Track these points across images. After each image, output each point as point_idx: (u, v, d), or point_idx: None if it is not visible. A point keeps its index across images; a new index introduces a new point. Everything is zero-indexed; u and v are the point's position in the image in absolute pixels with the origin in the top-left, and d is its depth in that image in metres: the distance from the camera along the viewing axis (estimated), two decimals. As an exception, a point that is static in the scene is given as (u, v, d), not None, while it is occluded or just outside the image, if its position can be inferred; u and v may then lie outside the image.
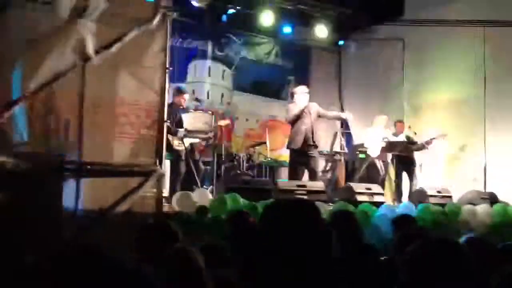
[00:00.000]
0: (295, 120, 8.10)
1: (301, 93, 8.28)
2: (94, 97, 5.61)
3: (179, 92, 8.29)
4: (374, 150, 9.35)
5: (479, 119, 9.78)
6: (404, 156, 9.30)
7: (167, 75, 5.70)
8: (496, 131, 9.54)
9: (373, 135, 9.45)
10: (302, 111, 8.07)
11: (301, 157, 8.13)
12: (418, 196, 8.04)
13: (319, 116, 8.37)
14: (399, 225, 4.21)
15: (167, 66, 5.78)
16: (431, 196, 7.86)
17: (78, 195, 5.50)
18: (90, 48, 5.56)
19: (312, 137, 8.14)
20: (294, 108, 8.20)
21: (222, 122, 8.74)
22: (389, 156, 9.56)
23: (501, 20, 9.22)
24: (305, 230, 1.66)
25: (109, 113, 5.69)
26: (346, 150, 10.68)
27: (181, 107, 8.14)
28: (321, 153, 9.40)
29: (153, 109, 5.66)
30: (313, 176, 8.12)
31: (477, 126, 9.79)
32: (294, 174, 8.20)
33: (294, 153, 8.23)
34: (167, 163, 7.90)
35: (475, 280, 1.94)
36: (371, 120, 9.92)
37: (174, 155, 7.67)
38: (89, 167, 5.48)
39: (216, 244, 3.08)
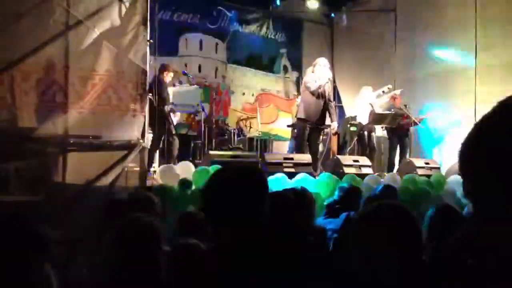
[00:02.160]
0: (316, 92, 8.00)
1: (324, 65, 8.15)
2: (79, 69, 5.60)
3: (163, 68, 8.22)
4: (364, 120, 9.41)
5: (471, 90, 9.77)
6: (398, 128, 9.34)
7: (148, 48, 5.66)
8: (487, 102, 9.52)
9: (361, 106, 9.49)
10: (322, 87, 8.00)
11: (311, 130, 8.11)
12: (406, 168, 8.07)
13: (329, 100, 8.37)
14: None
15: (150, 39, 5.75)
16: (419, 167, 7.89)
17: (64, 168, 5.53)
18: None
19: (324, 114, 8.18)
20: (316, 79, 8.03)
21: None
22: (380, 128, 9.58)
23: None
24: (246, 193, 1.69)
25: (94, 85, 5.68)
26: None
27: (164, 82, 8.06)
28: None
29: (136, 82, 5.64)
30: (315, 149, 8.15)
31: (468, 97, 9.77)
32: (302, 145, 8.13)
33: (304, 123, 8.11)
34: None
35: (420, 248, 1.93)
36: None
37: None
38: (73, 141, 5.52)
39: (192, 213, 3.13)
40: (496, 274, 0.70)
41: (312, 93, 7.98)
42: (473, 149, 0.72)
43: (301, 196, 3.27)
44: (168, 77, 8.04)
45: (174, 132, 7.81)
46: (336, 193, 4.51)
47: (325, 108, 8.16)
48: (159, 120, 7.47)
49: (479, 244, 0.70)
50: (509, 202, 0.67)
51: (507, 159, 0.72)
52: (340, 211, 4.08)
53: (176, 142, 7.78)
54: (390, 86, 9.71)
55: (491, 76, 9.55)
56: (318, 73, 8.04)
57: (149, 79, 5.93)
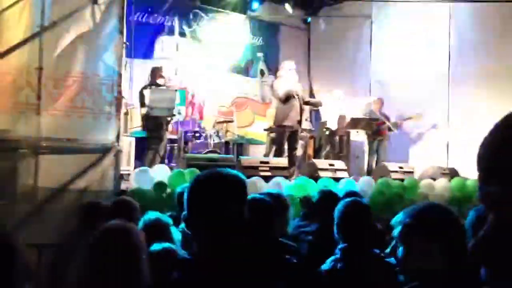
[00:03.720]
0: (288, 98, 7.97)
1: (288, 69, 8.15)
2: (53, 71, 5.53)
3: (155, 70, 8.26)
4: (332, 123, 9.51)
5: (443, 96, 9.93)
6: (377, 133, 9.45)
7: (124, 50, 5.62)
8: (459, 107, 9.70)
9: (330, 108, 9.60)
10: (293, 92, 7.97)
11: (290, 134, 8.11)
12: (381, 172, 8.16)
13: (304, 102, 8.38)
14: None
15: (126, 41, 5.71)
16: (393, 171, 7.99)
17: (36, 171, 5.44)
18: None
19: (300, 117, 8.17)
20: (283, 85, 8.01)
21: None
22: (355, 132, 9.68)
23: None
24: (226, 200, 1.69)
25: (68, 87, 5.61)
26: (312, 127, 10.73)
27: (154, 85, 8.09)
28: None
29: (111, 84, 5.59)
30: (293, 153, 8.17)
31: (441, 103, 9.94)
32: (280, 150, 8.16)
33: (282, 129, 8.11)
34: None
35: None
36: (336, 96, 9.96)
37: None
38: (46, 143, 5.44)
39: (157, 218, 3.10)
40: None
41: (280, 99, 8.00)
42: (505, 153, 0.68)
43: (277, 201, 3.29)
44: (160, 80, 8.08)
45: (162, 135, 7.90)
46: (315, 196, 4.49)
47: (302, 110, 8.19)
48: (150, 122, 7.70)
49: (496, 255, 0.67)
50: None
51: None
52: (315, 215, 4.09)
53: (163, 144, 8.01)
54: (339, 91, 9.77)
55: (463, 81, 9.73)
56: (285, 78, 8.06)
57: (124, 81, 5.86)
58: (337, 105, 9.54)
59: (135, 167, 7.30)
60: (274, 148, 8.72)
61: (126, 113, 7.41)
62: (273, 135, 9.29)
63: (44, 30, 5.42)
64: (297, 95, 8.04)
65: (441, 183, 7.55)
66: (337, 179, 7.16)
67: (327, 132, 9.98)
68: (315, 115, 12.03)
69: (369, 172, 9.31)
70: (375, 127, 9.43)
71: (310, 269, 2.89)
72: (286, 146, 8.27)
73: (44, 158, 5.42)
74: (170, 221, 3.18)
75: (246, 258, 1.71)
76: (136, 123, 8.55)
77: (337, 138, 9.54)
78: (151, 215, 3.12)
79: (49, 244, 4.47)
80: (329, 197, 4.36)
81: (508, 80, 9.04)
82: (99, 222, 3.03)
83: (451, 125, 9.82)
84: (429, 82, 10.15)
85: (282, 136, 8.15)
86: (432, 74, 10.14)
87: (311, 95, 12.47)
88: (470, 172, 8.47)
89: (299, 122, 8.19)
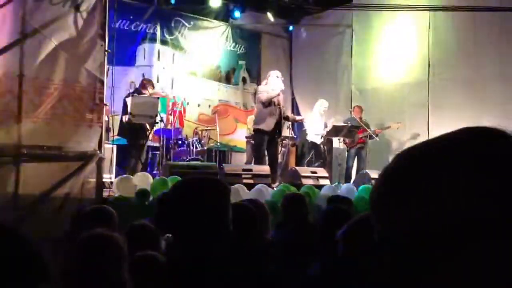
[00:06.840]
0: (269, 103, 7.97)
1: (276, 76, 8.16)
2: (34, 78, 5.50)
3: (145, 81, 8.31)
4: (311, 134, 9.56)
5: (423, 103, 10.05)
6: (356, 141, 9.54)
7: (106, 57, 5.60)
8: (439, 115, 9.82)
9: (312, 120, 9.65)
10: (277, 96, 7.98)
11: (269, 140, 8.12)
12: (362, 179, 8.23)
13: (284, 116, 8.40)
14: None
15: (107, 48, 5.70)
16: (374, 178, 8.04)
17: (17, 179, 5.39)
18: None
19: (280, 125, 8.18)
20: (268, 90, 8.02)
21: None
22: (336, 140, 9.75)
23: (445, 5, 9.46)
24: (208, 206, 1.70)
25: (49, 95, 5.58)
26: (294, 135, 10.78)
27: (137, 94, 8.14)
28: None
29: (93, 92, 5.57)
30: (274, 160, 8.18)
31: (421, 110, 10.05)
32: (259, 156, 8.17)
33: (262, 134, 8.09)
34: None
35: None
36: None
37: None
38: (27, 151, 5.39)
39: (144, 225, 3.08)
40: None
41: (263, 104, 8.02)
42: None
43: (259, 208, 3.30)
44: (149, 90, 8.14)
45: (142, 142, 7.91)
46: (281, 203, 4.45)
47: (281, 119, 8.19)
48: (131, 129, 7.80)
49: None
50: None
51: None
52: (286, 222, 4.08)
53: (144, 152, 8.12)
54: (323, 101, 9.82)
55: (443, 89, 9.86)
56: (271, 84, 8.08)
57: (105, 88, 5.85)
58: (320, 113, 9.60)
59: (116, 175, 7.27)
60: (253, 154, 8.72)
61: (108, 125, 7.44)
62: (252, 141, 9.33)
63: (26, 37, 5.39)
64: (278, 104, 8.06)
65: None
66: (319, 186, 7.22)
67: (310, 140, 10.05)
68: (297, 123, 12.07)
69: (348, 179, 9.36)
70: (356, 135, 9.51)
71: (288, 276, 2.90)
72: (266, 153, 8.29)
73: (25, 166, 5.38)
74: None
75: (228, 264, 1.72)
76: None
77: (321, 146, 9.60)
78: (139, 221, 3.11)
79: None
80: (294, 200, 4.38)
81: (485, 88, 9.18)
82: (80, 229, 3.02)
83: (431, 133, 9.93)
84: (409, 89, 10.28)
85: (261, 141, 8.16)
86: (412, 81, 10.26)
87: (293, 104, 12.55)
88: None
89: (276, 130, 8.13)
